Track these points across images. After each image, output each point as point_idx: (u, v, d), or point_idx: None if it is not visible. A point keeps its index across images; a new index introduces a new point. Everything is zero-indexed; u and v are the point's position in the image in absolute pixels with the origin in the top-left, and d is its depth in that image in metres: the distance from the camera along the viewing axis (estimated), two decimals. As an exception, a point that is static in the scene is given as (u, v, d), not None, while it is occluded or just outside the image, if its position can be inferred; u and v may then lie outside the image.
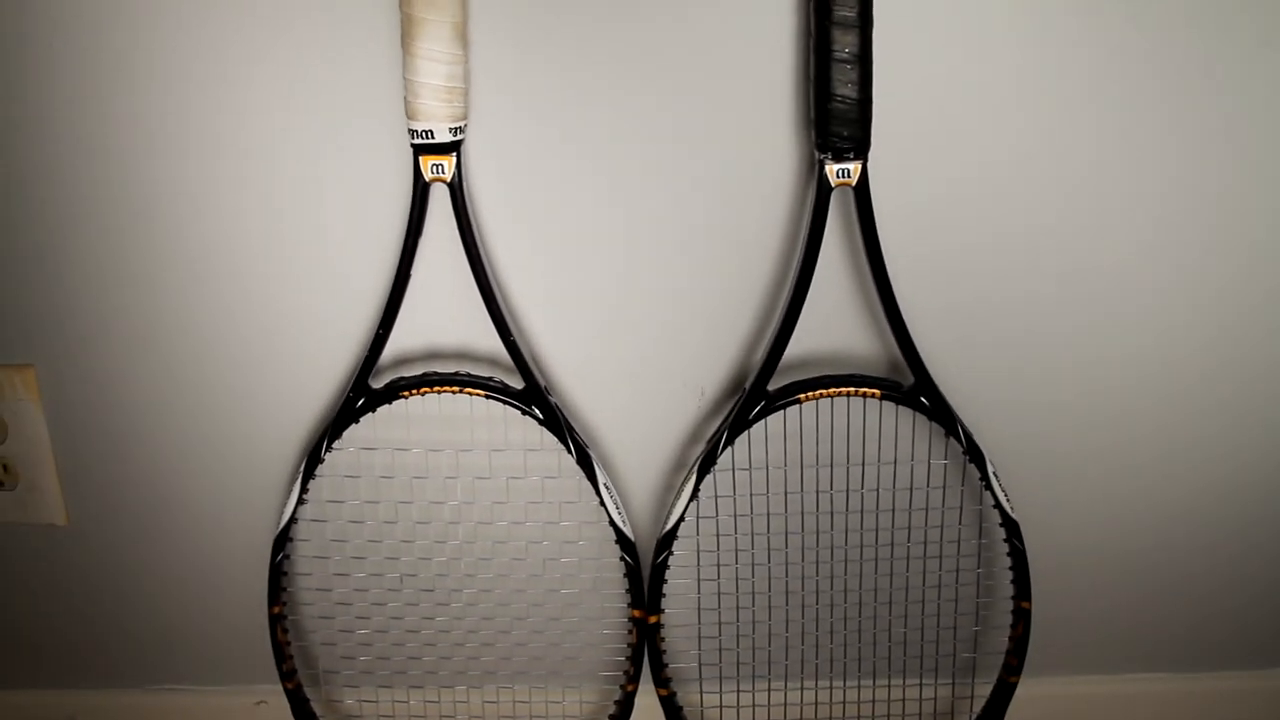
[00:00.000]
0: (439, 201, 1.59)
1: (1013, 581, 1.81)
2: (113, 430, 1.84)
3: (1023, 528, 1.77)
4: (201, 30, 1.59)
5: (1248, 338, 1.77)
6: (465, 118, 1.55)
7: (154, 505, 1.90)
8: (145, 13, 1.58)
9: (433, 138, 1.53)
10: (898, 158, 1.61)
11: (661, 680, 1.86)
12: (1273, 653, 2.04)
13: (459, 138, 1.54)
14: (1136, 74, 1.61)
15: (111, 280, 1.73)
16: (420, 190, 1.57)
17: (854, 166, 1.54)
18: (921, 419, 1.72)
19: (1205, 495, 1.89)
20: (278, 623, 1.84)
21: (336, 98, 1.61)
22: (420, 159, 1.55)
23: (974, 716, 1.92)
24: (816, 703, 1.92)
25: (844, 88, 1.50)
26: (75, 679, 2.08)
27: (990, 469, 1.72)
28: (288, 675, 1.89)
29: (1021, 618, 1.83)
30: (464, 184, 1.58)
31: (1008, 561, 1.80)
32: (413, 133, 1.53)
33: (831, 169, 1.54)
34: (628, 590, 1.82)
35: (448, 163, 1.55)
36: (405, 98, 1.52)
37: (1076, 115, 1.63)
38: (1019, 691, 1.88)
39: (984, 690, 1.91)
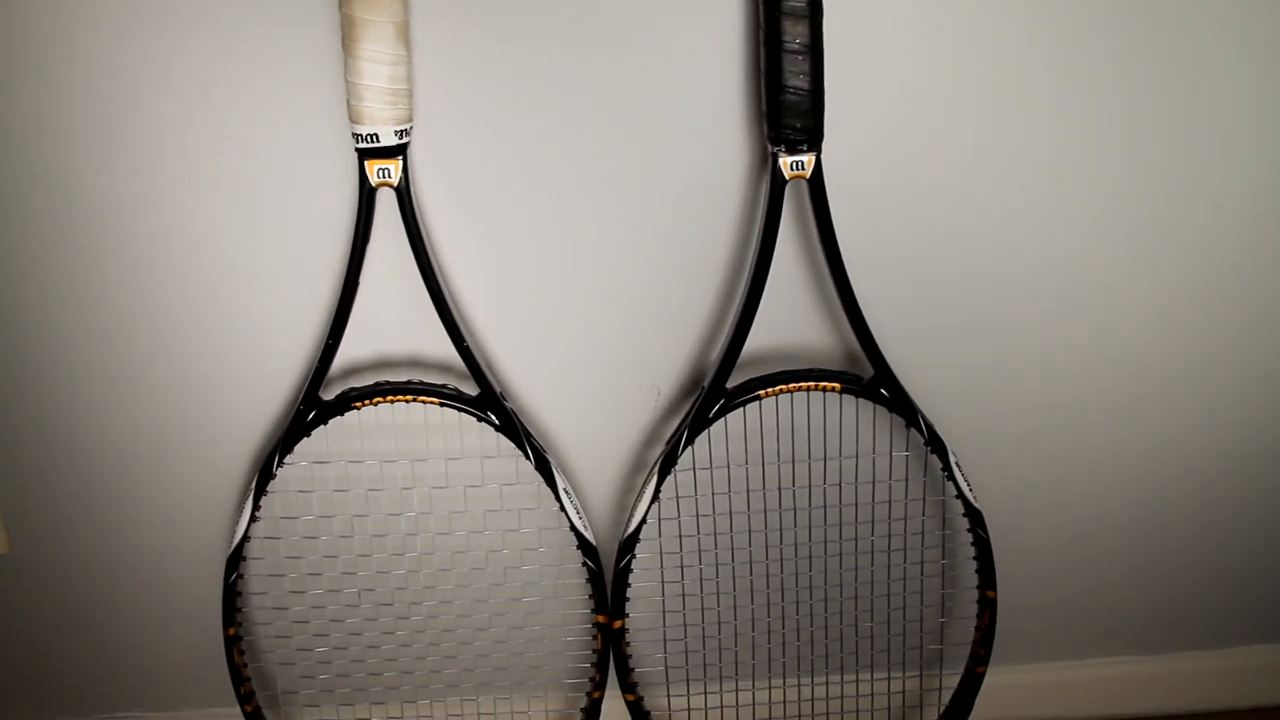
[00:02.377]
0: (386, 207, 1.55)
1: (977, 571, 1.81)
2: (54, 452, 1.79)
3: (986, 517, 1.76)
4: (138, 35, 1.54)
5: (1205, 323, 1.78)
6: (410, 120, 1.52)
7: (100, 529, 1.85)
8: (81, 15, 1.53)
9: (378, 141, 1.49)
10: (852, 150, 1.60)
11: (628, 685, 1.84)
12: (1234, 632, 2.05)
13: (405, 140, 1.51)
14: (1094, 65, 1.61)
15: (48, 296, 1.67)
16: (366, 195, 1.54)
17: (808, 159, 1.53)
18: (882, 411, 1.72)
19: (1166, 479, 1.90)
20: (233, 644, 1.80)
21: (277, 102, 1.57)
22: (365, 163, 1.52)
23: (943, 708, 1.92)
24: (785, 701, 1.91)
25: (796, 79, 1.48)
26: (24, 713, 2.02)
27: (952, 459, 1.71)
28: (245, 698, 1.85)
29: (987, 607, 1.82)
30: (411, 188, 1.54)
31: (972, 551, 1.79)
32: (357, 137, 1.50)
33: (785, 162, 1.53)
34: (591, 596, 1.79)
35: (394, 167, 1.52)
36: (348, 101, 1.49)
37: (1033, 106, 1.63)
38: (987, 680, 1.88)
39: (952, 681, 1.91)
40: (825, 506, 1.78)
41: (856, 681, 1.91)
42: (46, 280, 1.66)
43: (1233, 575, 2.00)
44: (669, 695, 1.90)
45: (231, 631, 1.79)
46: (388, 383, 1.69)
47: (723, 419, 1.69)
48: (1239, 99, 1.64)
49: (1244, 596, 2.01)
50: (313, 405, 1.67)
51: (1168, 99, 1.63)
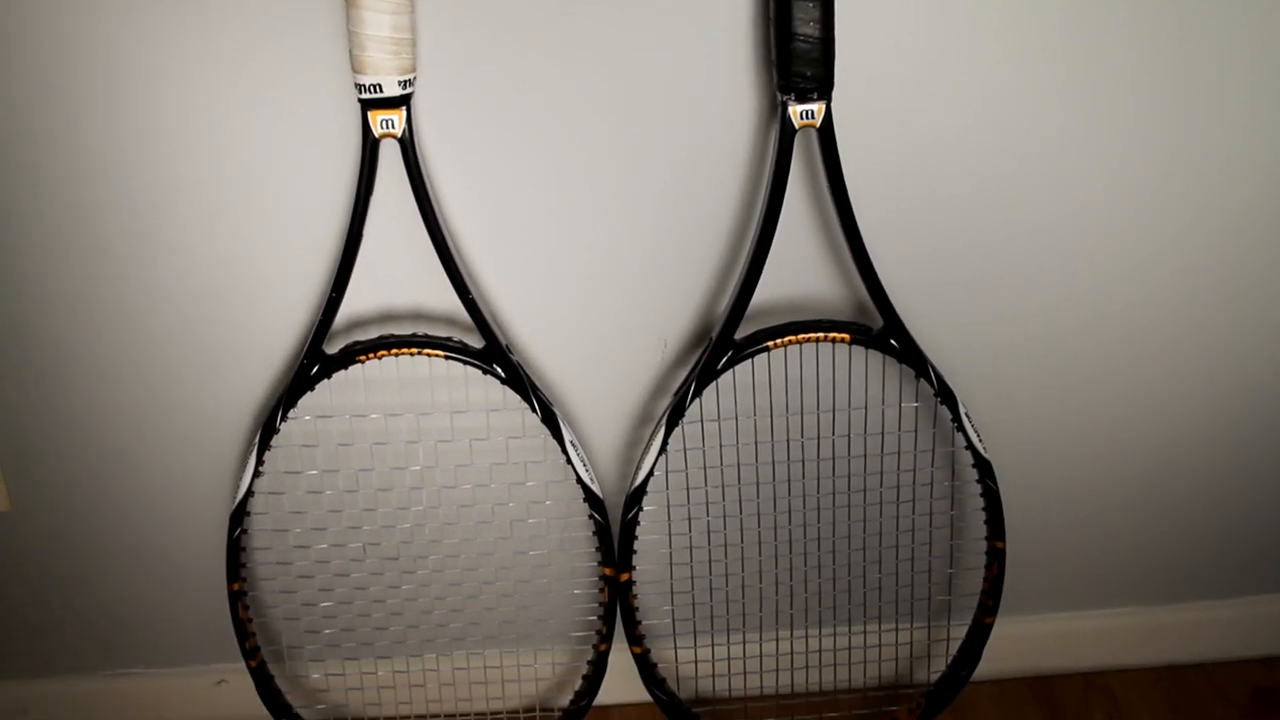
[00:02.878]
0: (390, 158, 1.53)
1: (986, 522, 1.80)
2: (55, 408, 1.77)
3: (995, 468, 1.75)
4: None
5: (1218, 272, 1.76)
6: (414, 70, 1.49)
7: (102, 484, 1.84)
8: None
9: (381, 92, 1.47)
10: (863, 98, 1.58)
11: (635, 638, 1.84)
12: (1243, 582, 2.06)
13: (408, 91, 1.48)
14: (1108, 13, 1.58)
15: (48, 251, 1.65)
16: (370, 147, 1.51)
17: (818, 107, 1.50)
18: (891, 362, 1.70)
19: (1176, 429, 1.89)
20: (237, 599, 1.80)
21: (280, 53, 1.54)
22: (369, 114, 1.49)
23: (951, 659, 1.92)
24: (792, 653, 1.91)
25: (806, 26, 1.46)
26: (28, 669, 2.02)
27: (962, 410, 1.70)
28: (250, 653, 1.84)
29: (996, 558, 1.82)
30: (415, 139, 1.52)
31: (981, 502, 1.79)
32: (360, 87, 1.47)
33: (795, 110, 1.50)
34: (597, 548, 1.79)
35: (397, 117, 1.49)
36: (350, 51, 1.46)
37: (1046, 54, 1.60)
38: (995, 631, 1.88)
39: (960, 632, 1.90)
40: (834, 458, 1.77)
41: (864, 633, 1.91)
42: (48, 234, 1.64)
43: (1241, 525, 1.99)
44: (676, 648, 1.89)
45: (236, 587, 1.79)
46: (392, 336, 1.67)
47: (731, 370, 1.67)
48: (1248, 40, 1.61)
49: (1253, 546, 2.01)
50: (316, 359, 1.65)
51: (1180, 47, 1.60)
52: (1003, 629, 1.89)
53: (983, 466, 1.75)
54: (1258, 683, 2.08)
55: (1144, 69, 1.62)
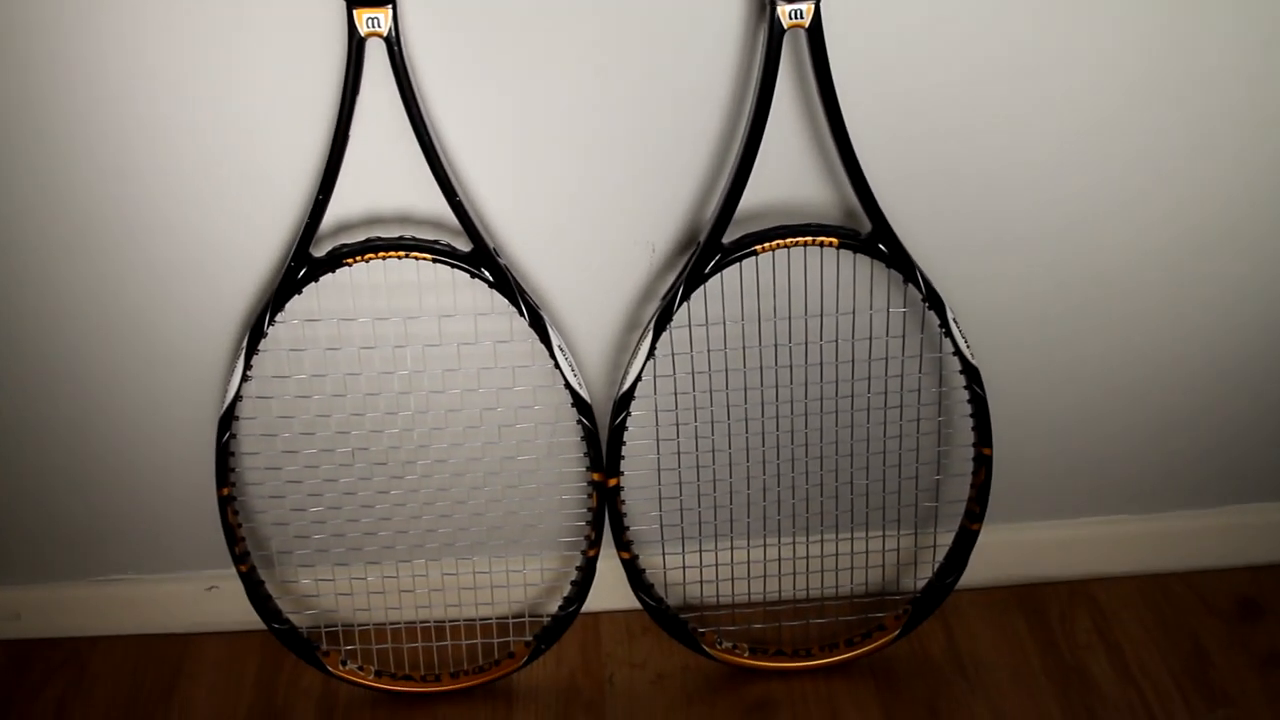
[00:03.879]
0: (376, 58, 1.50)
1: (974, 429, 1.81)
2: (41, 313, 1.76)
3: (983, 373, 1.76)
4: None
5: (1209, 175, 1.74)
6: (400, -33, 1.47)
7: (90, 390, 1.84)
8: None
9: (366, -12, 1.45)
10: (852, -2, 1.56)
11: (623, 544, 1.85)
12: (1230, 490, 2.08)
13: (394, -12, 1.47)
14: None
15: (32, 155, 1.63)
16: (355, 46, 1.49)
17: (807, 7, 1.48)
18: (880, 267, 1.69)
19: (1164, 335, 1.89)
20: (227, 505, 1.80)
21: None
22: (354, 12, 1.46)
23: (937, 565, 1.93)
24: (780, 559, 1.92)
25: (794, -78, 1.44)
26: (19, 575, 2.04)
27: (950, 315, 1.70)
28: (240, 558, 1.85)
29: (983, 464, 1.83)
30: (401, 38, 1.50)
31: (968, 409, 1.79)
32: (344, -16, 1.46)
33: (783, 10, 1.48)
34: (586, 454, 1.79)
35: (383, 16, 1.47)
36: (335, -54, 1.44)
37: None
38: (981, 538, 1.89)
39: (947, 539, 1.92)
40: (821, 363, 1.77)
41: (851, 539, 1.92)
42: (31, 139, 1.62)
43: (1227, 434, 2.01)
44: (664, 554, 1.90)
45: (225, 492, 1.79)
46: (379, 239, 1.66)
47: (718, 275, 1.67)
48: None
49: (1238, 455, 2.03)
50: (304, 262, 1.64)
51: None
52: (989, 537, 1.90)
53: (970, 372, 1.75)
54: (1242, 591, 2.10)
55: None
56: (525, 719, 1.95)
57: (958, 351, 1.73)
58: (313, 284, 1.66)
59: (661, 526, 1.88)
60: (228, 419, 1.74)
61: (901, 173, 1.68)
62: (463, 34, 1.57)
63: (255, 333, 1.68)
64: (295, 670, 2.01)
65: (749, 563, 1.92)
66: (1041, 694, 1.96)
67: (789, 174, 1.68)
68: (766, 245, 1.65)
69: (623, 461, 1.78)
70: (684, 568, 1.91)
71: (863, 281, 1.74)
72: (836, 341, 1.76)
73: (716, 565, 1.92)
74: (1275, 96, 1.68)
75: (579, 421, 1.76)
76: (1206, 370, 1.93)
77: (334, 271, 1.65)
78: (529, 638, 1.96)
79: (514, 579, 1.95)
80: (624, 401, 1.73)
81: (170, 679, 2.04)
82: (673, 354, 1.75)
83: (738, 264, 1.67)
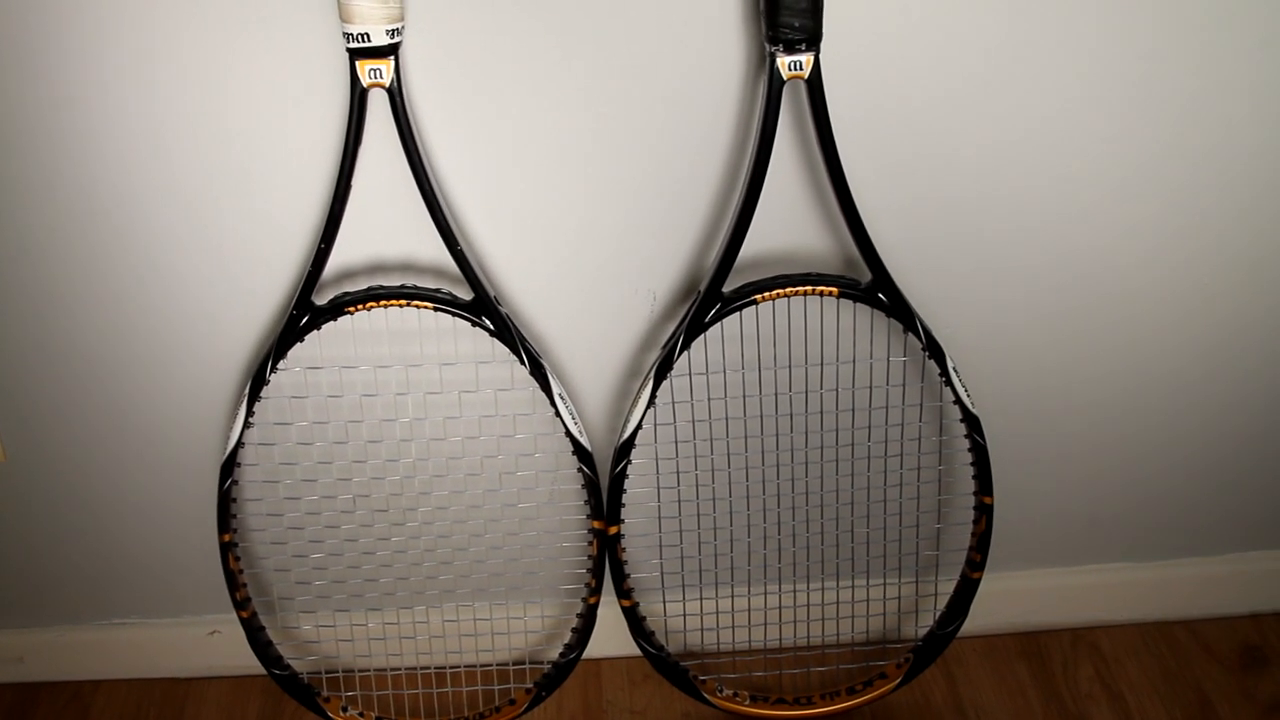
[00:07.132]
0: (378, 108, 1.52)
1: (974, 477, 1.81)
2: (49, 359, 1.77)
3: (983, 422, 1.76)
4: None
5: (1208, 235, 1.75)
6: (402, 19, 1.48)
7: (95, 436, 1.84)
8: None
9: (369, 41, 1.46)
10: (852, 50, 1.56)
11: (623, 591, 1.85)
12: (1230, 539, 2.07)
13: (396, 40, 1.47)
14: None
15: (41, 201, 1.64)
16: (358, 97, 1.50)
17: (806, 59, 1.49)
18: (880, 316, 1.70)
19: (1163, 385, 1.89)
20: (229, 550, 1.81)
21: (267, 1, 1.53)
22: (356, 64, 1.48)
23: (939, 613, 1.93)
24: (780, 606, 1.92)
25: (794, -24, 1.45)
26: (23, 619, 2.04)
27: (950, 364, 1.70)
28: (241, 604, 1.85)
29: (984, 512, 1.82)
30: (403, 89, 1.51)
31: (969, 457, 1.79)
32: (348, 36, 1.46)
33: (783, 62, 1.49)
34: (586, 501, 1.79)
35: (386, 67, 1.49)
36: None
37: (1041, 8, 1.57)
38: (983, 586, 1.88)
39: (948, 587, 1.92)
40: (822, 412, 1.78)
41: (852, 587, 1.91)
42: (40, 187, 1.63)
43: (1231, 481, 2.00)
44: (664, 601, 1.90)
45: (227, 538, 1.80)
46: (381, 287, 1.66)
47: (719, 323, 1.67)
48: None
49: (1241, 503, 2.02)
50: (306, 310, 1.65)
51: (1184, 7, 1.59)
52: (990, 584, 1.90)
53: (970, 421, 1.75)
54: (1245, 640, 2.09)
55: (1142, 25, 1.59)
56: (526, 766, 1.95)
57: (958, 400, 1.73)
58: (315, 332, 1.66)
59: (662, 574, 1.88)
60: (230, 465, 1.74)
61: (901, 223, 1.69)
62: (464, 85, 1.58)
63: (257, 380, 1.69)
64: (296, 715, 2.00)
65: (750, 610, 1.92)
66: (1044, 742, 1.95)
67: (789, 223, 1.69)
68: (767, 294, 1.65)
69: (623, 509, 1.78)
70: (685, 615, 1.91)
71: (863, 330, 1.74)
72: (837, 390, 1.77)
73: (717, 613, 1.91)
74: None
75: (580, 469, 1.76)
76: (1209, 419, 1.93)
77: (336, 319, 1.66)
78: (530, 684, 1.95)
79: (515, 625, 1.95)
80: (625, 449, 1.73)
81: (172, 723, 2.04)
82: (673, 402, 1.75)
83: (738, 313, 1.67)
